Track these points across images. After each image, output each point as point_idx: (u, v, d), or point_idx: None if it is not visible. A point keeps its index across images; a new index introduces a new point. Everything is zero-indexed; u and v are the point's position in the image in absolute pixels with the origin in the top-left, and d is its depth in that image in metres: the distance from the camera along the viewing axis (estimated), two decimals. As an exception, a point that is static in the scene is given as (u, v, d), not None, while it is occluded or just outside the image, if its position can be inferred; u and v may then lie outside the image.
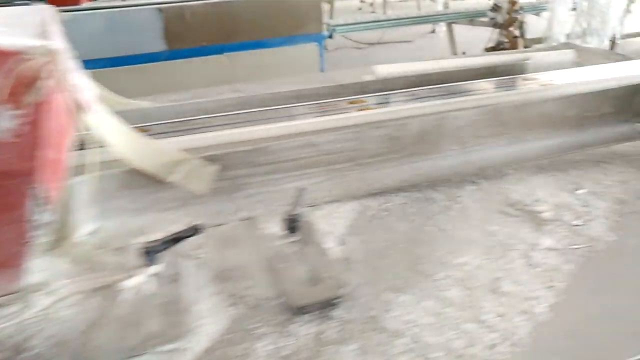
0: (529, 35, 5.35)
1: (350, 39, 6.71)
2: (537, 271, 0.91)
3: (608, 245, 0.97)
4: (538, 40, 5.22)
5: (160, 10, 3.13)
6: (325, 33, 3.80)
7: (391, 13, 7.13)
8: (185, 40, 3.32)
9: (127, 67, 3.11)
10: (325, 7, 7.51)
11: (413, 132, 1.14)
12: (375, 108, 1.26)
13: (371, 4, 8.29)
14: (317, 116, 1.19)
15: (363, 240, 0.99)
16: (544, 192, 1.12)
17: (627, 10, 5.43)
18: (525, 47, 5.23)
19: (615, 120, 1.27)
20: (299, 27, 3.57)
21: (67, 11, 2.87)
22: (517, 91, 1.26)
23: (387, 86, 1.41)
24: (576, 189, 1.13)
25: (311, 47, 3.61)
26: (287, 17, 3.53)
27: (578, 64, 1.59)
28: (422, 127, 1.14)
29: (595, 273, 0.91)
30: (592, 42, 5.11)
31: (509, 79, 1.38)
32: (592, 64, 1.45)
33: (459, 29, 5.76)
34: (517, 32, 5.06)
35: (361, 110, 1.26)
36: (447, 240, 1.00)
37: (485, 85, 1.35)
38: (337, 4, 8.90)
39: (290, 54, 3.54)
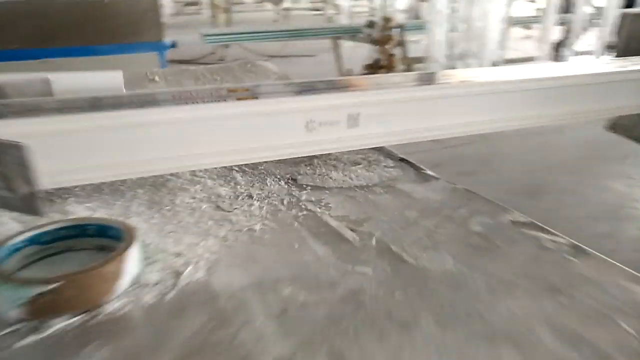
0: (413, 54, 4.68)
1: (249, 50, 5.95)
2: None
3: None
4: (420, 60, 4.56)
5: (-47, 6, 2.38)
6: (167, 42, 3.05)
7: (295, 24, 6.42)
8: (-11, 42, 2.57)
9: None
10: (223, 17, 6.78)
11: None
12: None
13: (285, 16, 7.57)
14: None
15: None
16: None
17: (521, 35, 4.81)
18: (408, 65, 4.58)
19: None
20: (134, 34, 2.87)
21: None
22: None
23: None
24: None
25: (149, 57, 2.89)
26: (119, 21, 2.82)
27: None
28: None
29: None
30: (473, 65, 4.49)
31: None
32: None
33: (353, 45, 5.06)
34: (394, 50, 4.35)
35: None
36: None
37: None
38: (252, 15, 8.17)
39: (123, 64, 2.79)
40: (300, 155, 0.86)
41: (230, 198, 0.73)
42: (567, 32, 4.84)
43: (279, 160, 0.84)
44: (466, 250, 0.59)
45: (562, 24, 4.83)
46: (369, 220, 0.67)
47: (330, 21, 6.05)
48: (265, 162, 0.84)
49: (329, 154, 0.89)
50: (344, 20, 6.69)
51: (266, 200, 0.73)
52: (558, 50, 4.95)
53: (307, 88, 0.86)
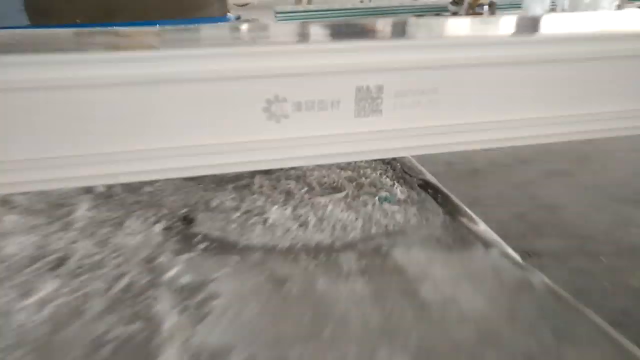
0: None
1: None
2: None
3: None
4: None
5: (17, -22, 2.29)
6: (232, 16, 2.82)
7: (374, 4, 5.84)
8: (52, 16, 2.52)
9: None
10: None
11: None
12: None
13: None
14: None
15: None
16: None
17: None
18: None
19: None
20: (197, 9, 2.70)
21: None
22: None
23: None
24: None
25: (213, 33, 2.63)
26: (183, -5, 2.66)
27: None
28: None
29: None
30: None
31: None
32: None
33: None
34: (483, 31, 3.74)
35: None
36: None
37: None
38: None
39: (186, 40, 2.57)
40: (236, 170, 0.43)
41: (14, 268, 0.32)
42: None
43: (193, 177, 0.42)
44: None
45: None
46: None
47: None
48: (163, 179, 0.42)
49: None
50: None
51: (81, 278, 0.31)
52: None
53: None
